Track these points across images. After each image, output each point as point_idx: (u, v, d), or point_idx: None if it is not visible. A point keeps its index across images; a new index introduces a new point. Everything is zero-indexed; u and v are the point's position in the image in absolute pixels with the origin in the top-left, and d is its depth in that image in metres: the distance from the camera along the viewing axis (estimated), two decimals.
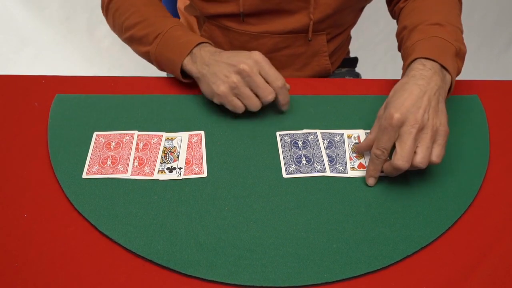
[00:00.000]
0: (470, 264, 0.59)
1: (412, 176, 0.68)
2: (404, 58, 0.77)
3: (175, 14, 1.15)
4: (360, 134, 0.74)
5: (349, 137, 0.73)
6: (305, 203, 0.65)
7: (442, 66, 0.70)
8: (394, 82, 0.84)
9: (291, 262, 0.59)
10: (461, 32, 0.78)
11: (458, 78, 0.79)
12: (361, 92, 0.82)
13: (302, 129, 0.74)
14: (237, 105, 0.72)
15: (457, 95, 0.81)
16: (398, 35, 0.84)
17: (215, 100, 0.73)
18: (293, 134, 0.74)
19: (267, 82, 0.71)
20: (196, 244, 0.60)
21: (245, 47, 0.93)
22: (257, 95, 0.71)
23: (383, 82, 0.84)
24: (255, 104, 0.72)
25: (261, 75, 0.71)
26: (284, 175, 0.68)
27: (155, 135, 0.73)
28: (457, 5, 0.83)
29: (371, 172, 0.67)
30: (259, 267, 0.58)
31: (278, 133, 0.74)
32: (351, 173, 0.68)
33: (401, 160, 0.62)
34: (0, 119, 0.75)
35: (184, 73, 0.77)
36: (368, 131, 0.74)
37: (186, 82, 0.78)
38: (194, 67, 0.74)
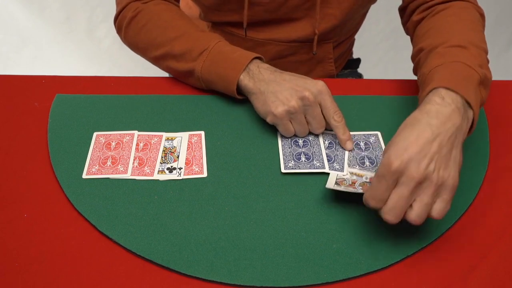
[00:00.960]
0: (470, 264, 0.59)
1: None
2: (420, 86, 0.69)
3: None
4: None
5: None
6: (305, 203, 0.65)
7: (465, 100, 0.60)
8: (396, 82, 0.84)
9: (291, 262, 0.59)
10: (486, 53, 0.70)
11: None
12: (362, 92, 0.82)
13: None
14: (290, 130, 0.70)
15: None
16: (414, 58, 0.76)
17: (268, 119, 0.70)
18: None
19: (322, 114, 0.69)
20: (196, 244, 0.60)
21: None
22: (308, 122, 0.70)
23: (384, 82, 0.84)
24: (304, 132, 0.71)
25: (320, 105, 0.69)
26: (283, 170, 0.68)
27: (155, 135, 0.73)
28: (479, 21, 0.75)
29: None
30: (259, 267, 0.58)
31: (279, 132, 0.74)
32: (347, 171, 0.69)
33: (389, 215, 0.55)
34: (0, 119, 0.75)
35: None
36: (368, 132, 0.74)
37: (240, 98, 0.75)
38: (251, 83, 0.71)
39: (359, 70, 1.14)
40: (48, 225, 0.62)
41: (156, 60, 0.80)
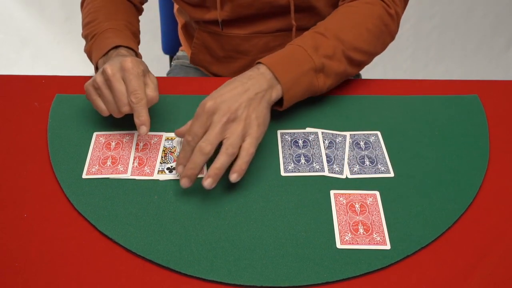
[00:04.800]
0: (470, 264, 0.59)
1: (412, 176, 0.68)
2: None
3: (173, 18, 1.15)
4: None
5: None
6: (305, 203, 0.65)
7: (275, 76, 0.68)
8: (395, 82, 0.84)
9: (291, 262, 0.59)
10: (354, 50, 0.74)
11: (457, 78, 0.79)
12: (361, 92, 0.82)
13: (303, 128, 0.74)
14: (99, 106, 0.68)
15: (457, 95, 0.81)
16: None
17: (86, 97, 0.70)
18: (294, 133, 0.74)
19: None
20: (196, 244, 0.60)
21: (237, 49, 0.93)
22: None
23: (383, 82, 0.84)
24: (114, 111, 0.67)
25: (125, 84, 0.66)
26: (283, 173, 0.68)
27: (155, 135, 0.73)
28: (375, 18, 0.77)
29: (181, 160, 0.64)
30: (259, 267, 0.58)
31: (279, 132, 0.74)
32: (346, 175, 0.68)
33: (204, 142, 0.62)
34: (0, 119, 0.75)
35: None
36: (368, 132, 0.74)
37: None
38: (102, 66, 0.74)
39: None
40: (48, 225, 0.62)
41: None
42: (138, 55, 0.78)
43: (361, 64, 0.78)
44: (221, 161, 0.62)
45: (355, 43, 0.75)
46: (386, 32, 0.79)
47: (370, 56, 0.78)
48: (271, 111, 0.69)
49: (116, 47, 0.75)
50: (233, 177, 0.62)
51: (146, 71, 0.69)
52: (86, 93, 0.70)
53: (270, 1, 0.85)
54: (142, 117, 0.65)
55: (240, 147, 0.63)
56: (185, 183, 0.62)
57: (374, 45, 0.78)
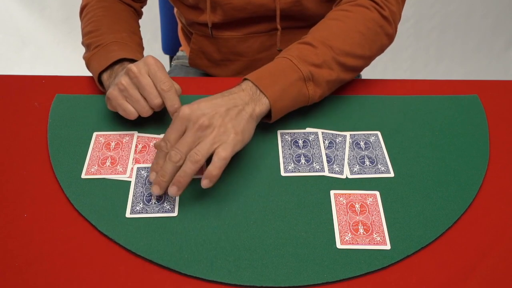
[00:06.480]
0: (470, 264, 0.59)
1: (412, 176, 0.68)
2: None
3: (173, 18, 1.15)
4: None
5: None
6: (305, 203, 0.65)
7: (260, 90, 0.67)
8: (395, 82, 0.84)
9: (291, 262, 0.59)
10: (342, 54, 0.72)
11: (457, 78, 0.79)
12: (361, 92, 0.82)
13: (303, 128, 0.74)
14: (128, 109, 0.68)
15: (457, 95, 0.81)
16: None
17: (109, 107, 0.70)
18: (294, 133, 0.74)
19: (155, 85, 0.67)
20: (196, 244, 0.60)
21: (234, 51, 0.94)
22: (144, 97, 0.68)
23: (383, 82, 0.84)
24: (143, 109, 0.68)
25: (151, 78, 0.67)
26: (283, 173, 0.68)
27: (154, 138, 0.72)
28: (371, 30, 0.75)
29: (153, 166, 0.63)
30: (259, 267, 0.58)
31: (279, 132, 0.74)
32: (346, 175, 0.68)
33: (174, 150, 0.60)
34: (0, 119, 0.75)
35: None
36: (368, 132, 0.74)
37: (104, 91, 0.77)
38: (108, 82, 0.74)
39: None
40: (48, 225, 0.62)
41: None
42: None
43: (357, 69, 0.76)
44: (184, 169, 0.60)
45: (346, 48, 0.73)
46: (382, 34, 0.77)
47: (366, 60, 0.76)
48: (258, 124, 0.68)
49: (121, 60, 0.74)
50: (203, 183, 0.61)
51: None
52: (110, 101, 0.69)
53: (262, 4, 0.85)
54: (176, 104, 0.66)
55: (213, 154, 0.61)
56: (155, 190, 0.61)
57: (369, 48, 0.75)
